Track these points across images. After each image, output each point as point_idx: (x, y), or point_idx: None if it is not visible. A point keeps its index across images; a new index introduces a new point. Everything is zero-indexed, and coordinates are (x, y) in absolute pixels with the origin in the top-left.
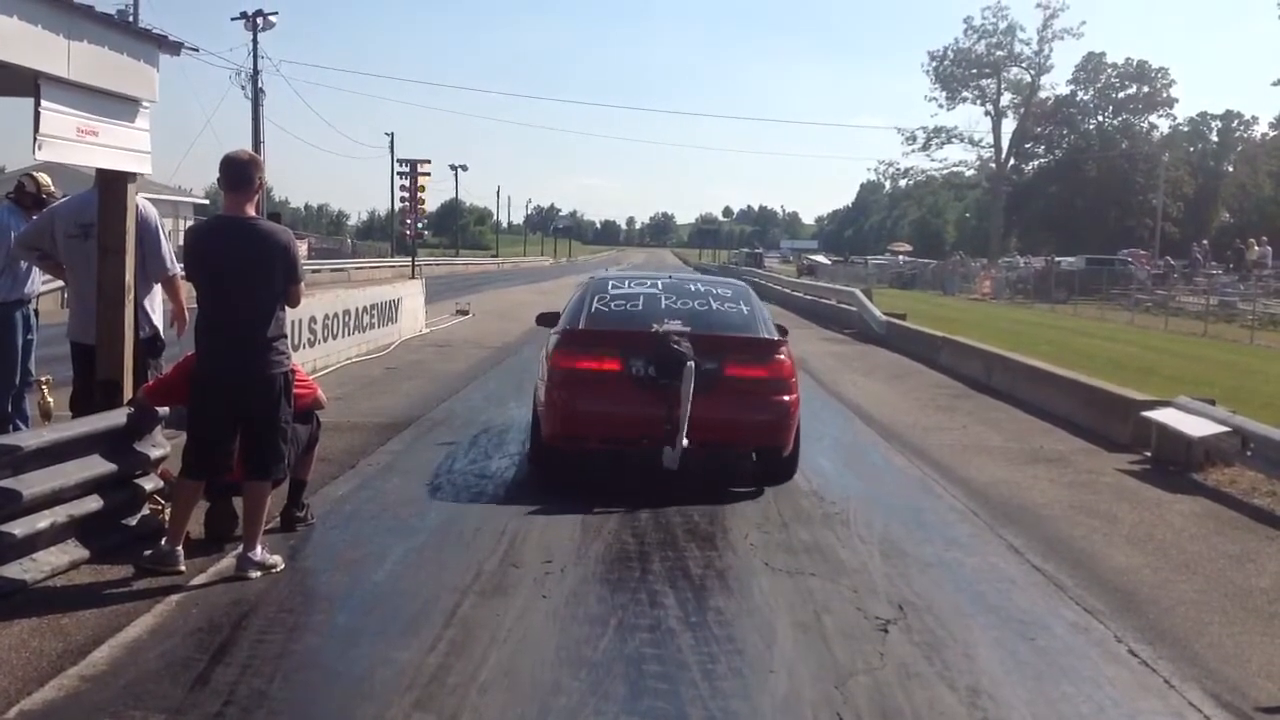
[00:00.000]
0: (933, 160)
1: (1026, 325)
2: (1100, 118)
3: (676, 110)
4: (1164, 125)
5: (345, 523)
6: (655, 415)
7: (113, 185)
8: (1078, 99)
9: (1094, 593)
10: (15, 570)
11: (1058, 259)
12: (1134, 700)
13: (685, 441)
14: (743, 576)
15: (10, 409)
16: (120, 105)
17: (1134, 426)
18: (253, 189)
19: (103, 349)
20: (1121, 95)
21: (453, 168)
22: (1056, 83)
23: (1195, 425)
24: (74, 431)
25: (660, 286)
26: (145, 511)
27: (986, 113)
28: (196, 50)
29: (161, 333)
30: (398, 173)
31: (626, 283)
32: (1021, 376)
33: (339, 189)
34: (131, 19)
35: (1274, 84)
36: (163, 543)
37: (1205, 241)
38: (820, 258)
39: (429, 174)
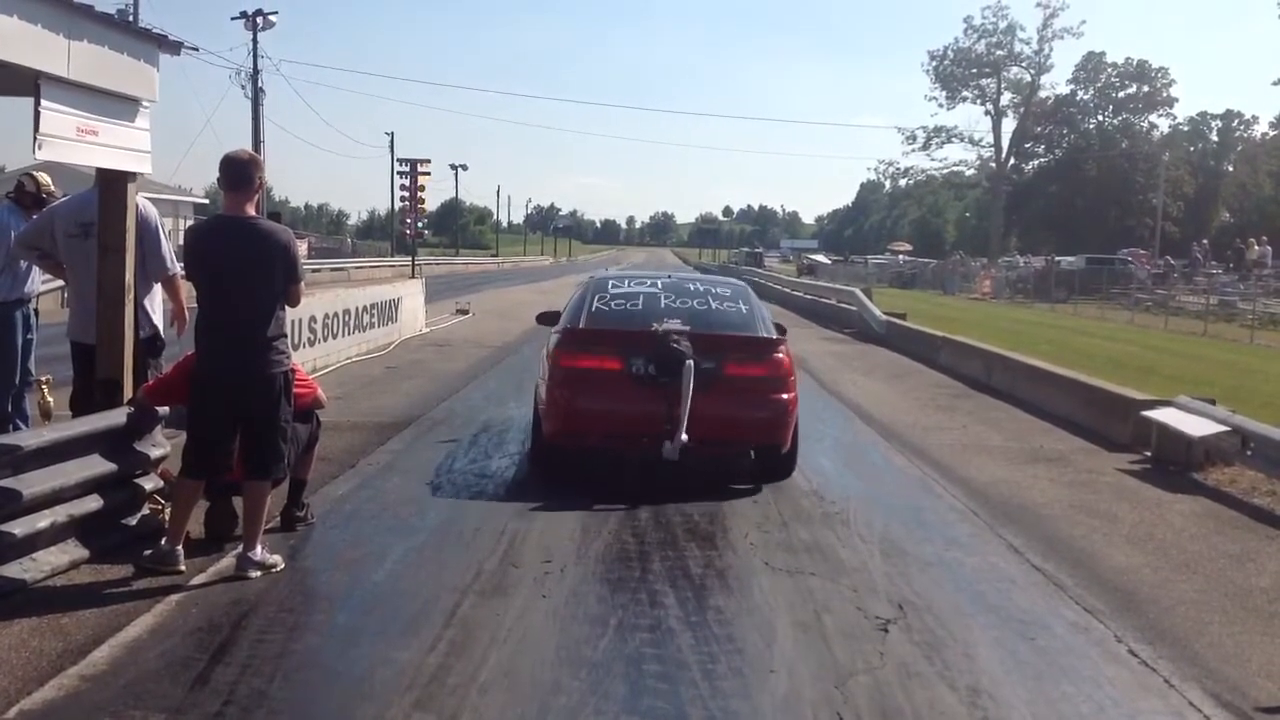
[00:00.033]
0: (933, 160)
1: (1026, 325)
2: (1100, 117)
3: (676, 110)
4: (1164, 125)
5: (345, 522)
6: (655, 413)
7: (113, 185)
8: (1078, 99)
9: (1094, 592)
10: (15, 570)
11: (1058, 258)
12: (1134, 700)
13: (685, 436)
14: (743, 576)
15: (10, 409)
16: (120, 105)
17: (1134, 426)
18: (253, 189)
19: (103, 349)
20: (1121, 95)
21: (453, 167)
22: (1056, 82)
23: (1195, 425)
24: (74, 431)
25: (660, 286)
26: (145, 511)
27: (986, 112)
28: (196, 50)
29: (161, 332)
30: (398, 172)
31: (626, 282)
32: (1021, 376)
33: (339, 189)
34: (131, 19)
35: (1274, 84)
36: (163, 542)
37: (1205, 241)
38: (820, 257)
39: (429, 173)
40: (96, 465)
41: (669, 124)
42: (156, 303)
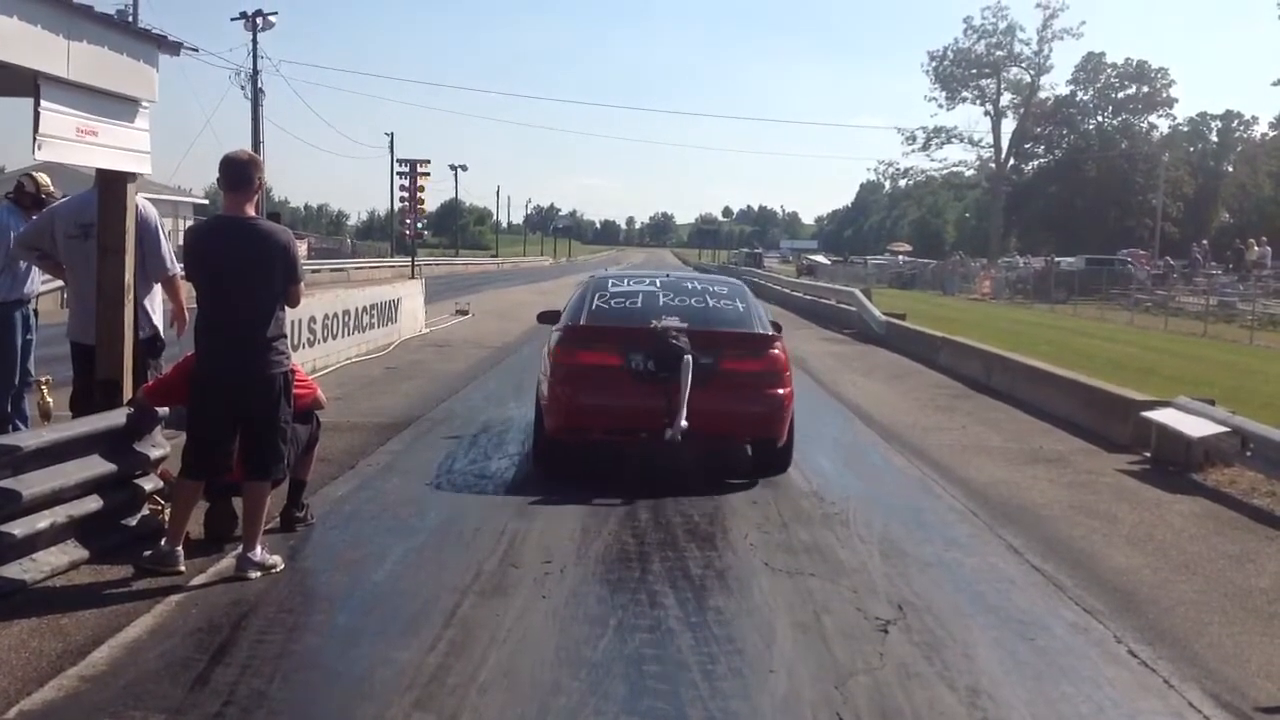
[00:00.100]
0: (932, 160)
1: (1026, 325)
2: (1100, 118)
3: (676, 110)
4: (1164, 125)
5: (345, 523)
6: (655, 408)
7: (112, 185)
8: (1077, 99)
9: (1094, 593)
10: (15, 570)
11: (1057, 259)
12: (1134, 700)
13: (685, 423)
14: (743, 576)
15: (10, 409)
16: (120, 105)
17: (1134, 427)
18: (252, 189)
19: (103, 349)
20: (1121, 95)
21: (452, 168)
22: (1056, 83)
23: (1195, 425)
24: (74, 431)
25: (659, 285)
26: (145, 512)
27: (986, 113)
28: (196, 50)
29: (161, 333)
30: (397, 173)
31: (626, 281)
32: (1021, 377)
33: (339, 189)
34: (131, 19)
35: (1274, 84)
36: (162, 543)
37: (1205, 241)
38: (820, 258)
39: (429, 174)
40: (96, 466)
41: (669, 124)
42: (156, 303)
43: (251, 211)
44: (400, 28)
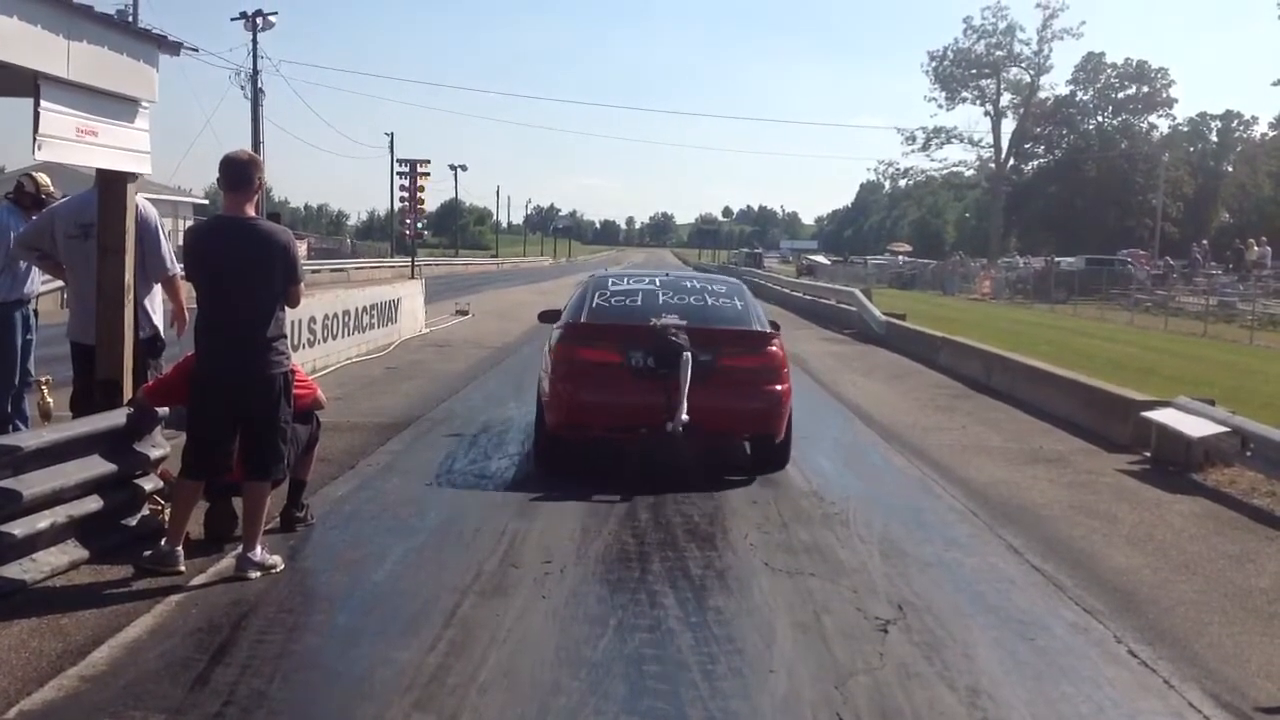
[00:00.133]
0: (932, 160)
1: (1026, 325)
2: (1100, 118)
3: (676, 110)
4: (1164, 125)
5: (345, 523)
6: (654, 404)
7: (112, 185)
8: (1077, 99)
9: (1094, 593)
10: (15, 570)
11: (1057, 259)
12: (1134, 700)
13: (685, 416)
14: (742, 576)
15: (10, 409)
16: (120, 105)
17: (1134, 427)
18: (252, 189)
19: (103, 349)
20: (1121, 95)
21: (452, 168)
22: (1056, 83)
23: (1195, 425)
24: (74, 431)
25: (658, 283)
26: (145, 512)
27: (986, 113)
28: (196, 50)
29: (161, 333)
30: (397, 173)
31: (626, 280)
32: (1021, 377)
33: (339, 189)
34: (131, 19)
35: (1274, 84)
36: (162, 543)
37: (1205, 242)
38: (820, 258)
39: (429, 174)
40: (96, 466)
41: (669, 124)
42: (157, 303)
43: (251, 212)
44: (400, 28)
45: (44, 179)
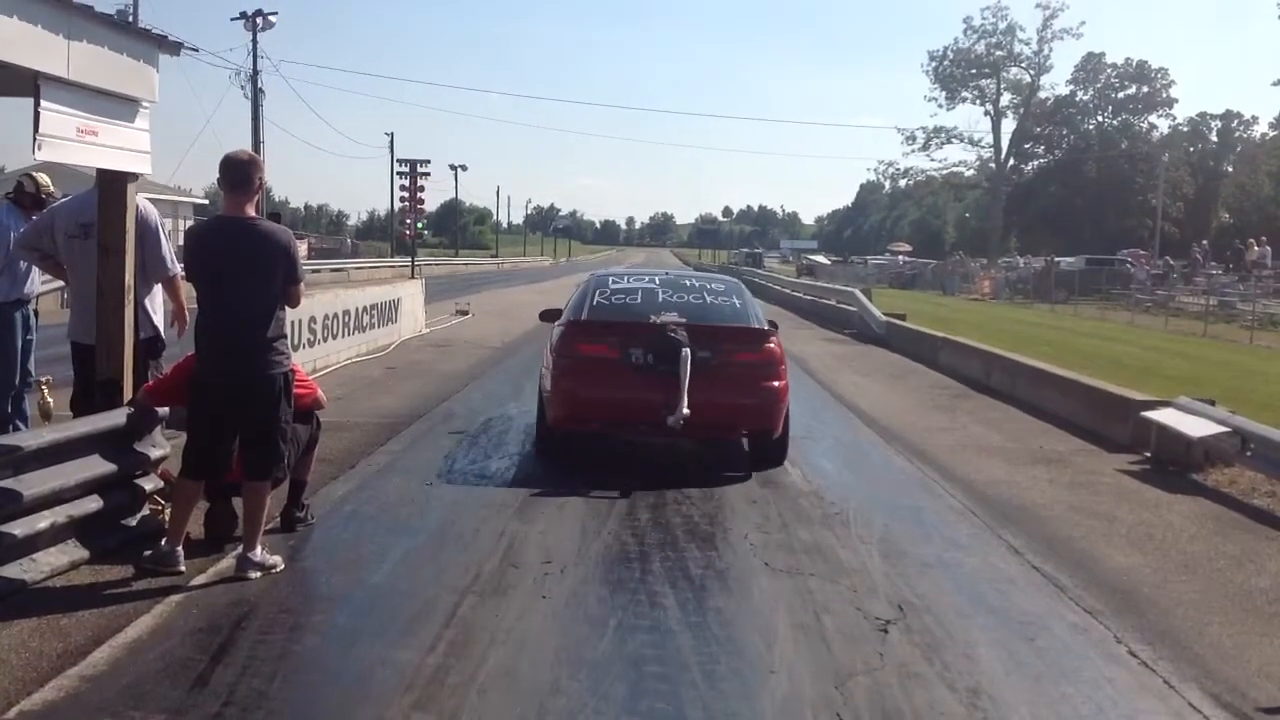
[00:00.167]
0: (932, 160)
1: (1026, 325)
2: (1100, 118)
3: (676, 111)
4: (1164, 125)
5: (345, 523)
6: (654, 400)
7: (113, 185)
8: (1077, 99)
9: (1094, 593)
10: (15, 570)
11: (1057, 259)
12: (1134, 701)
13: (686, 411)
14: (743, 577)
15: (10, 409)
16: (120, 105)
17: (1134, 427)
18: (253, 189)
19: (103, 349)
20: (1121, 95)
21: (453, 168)
22: (1056, 83)
23: (1195, 425)
24: (74, 432)
25: (657, 282)
26: (145, 512)
27: (986, 113)
28: (196, 50)
29: (162, 333)
30: (397, 173)
31: (626, 278)
32: (1021, 377)
33: (339, 189)
34: (131, 19)
35: (1274, 84)
36: (163, 543)
37: (1205, 242)
38: (820, 258)
39: (429, 174)
40: (96, 466)
41: (669, 124)
42: (157, 303)
43: (252, 212)
44: (400, 28)
45: (44, 179)
